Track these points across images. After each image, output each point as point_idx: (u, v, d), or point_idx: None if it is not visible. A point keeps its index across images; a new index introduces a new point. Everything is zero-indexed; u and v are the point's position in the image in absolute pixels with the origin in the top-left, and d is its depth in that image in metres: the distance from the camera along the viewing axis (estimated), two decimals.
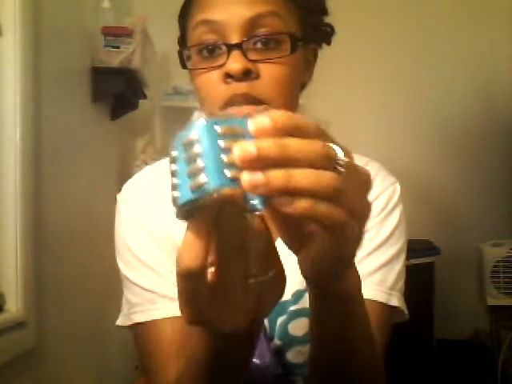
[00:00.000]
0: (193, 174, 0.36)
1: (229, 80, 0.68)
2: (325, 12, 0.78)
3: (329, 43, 0.80)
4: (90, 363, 1.74)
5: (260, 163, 0.35)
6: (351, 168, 0.38)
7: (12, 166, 1.23)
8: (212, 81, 0.69)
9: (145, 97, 2.16)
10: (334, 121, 2.47)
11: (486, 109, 2.60)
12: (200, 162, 0.36)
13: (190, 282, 0.40)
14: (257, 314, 0.45)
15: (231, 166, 0.35)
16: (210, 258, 0.40)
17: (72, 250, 1.58)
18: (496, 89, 2.61)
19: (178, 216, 0.38)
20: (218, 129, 0.36)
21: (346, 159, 0.37)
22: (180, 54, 0.73)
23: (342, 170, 0.37)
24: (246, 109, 0.67)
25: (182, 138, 0.37)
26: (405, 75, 2.61)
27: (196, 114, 0.38)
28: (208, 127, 0.36)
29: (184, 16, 0.75)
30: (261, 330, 0.51)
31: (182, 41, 0.77)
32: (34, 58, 1.31)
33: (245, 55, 0.67)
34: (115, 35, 1.86)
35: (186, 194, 0.36)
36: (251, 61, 0.67)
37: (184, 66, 0.73)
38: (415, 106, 2.63)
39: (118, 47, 1.86)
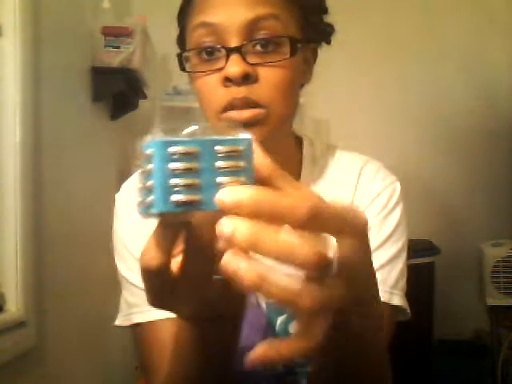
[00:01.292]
0: (145, 191, 0.36)
1: (228, 84, 0.67)
2: (325, 11, 0.78)
3: (329, 42, 0.79)
4: (90, 363, 1.74)
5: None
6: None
7: (12, 166, 1.22)
8: (211, 84, 0.69)
9: (145, 97, 2.16)
10: (333, 120, 2.48)
11: (487, 108, 2.59)
12: (150, 182, 0.35)
13: (150, 278, 0.41)
14: (225, 310, 0.45)
15: (180, 189, 0.35)
16: (177, 255, 0.40)
17: (72, 250, 1.58)
18: (498, 88, 2.61)
19: (141, 216, 0.38)
20: (172, 150, 0.35)
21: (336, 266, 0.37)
22: (179, 56, 0.72)
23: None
24: (245, 113, 0.67)
25: (144, 147, 0.37)
26: (405, 74, 2.61)
27: (156, 131, 0.37)
28: (161, 147, 0.35)
29: (183, 15, 0.75)
30: (241, 321, 0.50)
31: (181, 41, 0.76)
32: (34, 57, 1.31)
33: (244, 59, 0.67)
34: (115, 35, 1.86)
35: (142, 206, 0.36)
36: (250, 64, 0.67)
37: (183, 69, 0.73)
38: (415, 106, 2.62)
39: (118, 47, 1.86)
